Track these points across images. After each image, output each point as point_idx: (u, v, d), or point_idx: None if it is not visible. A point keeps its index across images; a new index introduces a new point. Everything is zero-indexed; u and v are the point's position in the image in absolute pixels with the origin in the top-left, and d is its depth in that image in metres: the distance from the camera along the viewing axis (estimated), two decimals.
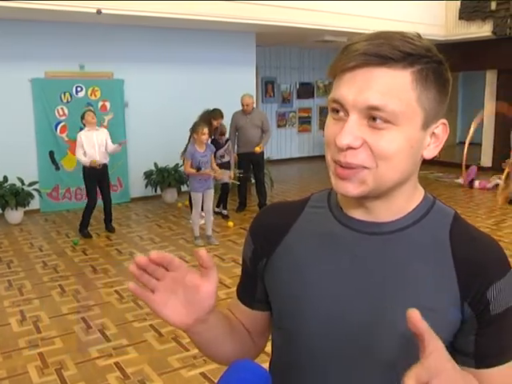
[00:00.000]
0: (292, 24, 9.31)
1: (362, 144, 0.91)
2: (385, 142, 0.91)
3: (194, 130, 6.79)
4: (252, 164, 8.48)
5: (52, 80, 8.65)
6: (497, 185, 10.25)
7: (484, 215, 8.44)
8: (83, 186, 7.92)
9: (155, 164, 9.52)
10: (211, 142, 7.32)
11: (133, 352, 4.16)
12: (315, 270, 1.04)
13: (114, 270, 6.03)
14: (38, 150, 8.70)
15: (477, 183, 10.48)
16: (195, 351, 4.01)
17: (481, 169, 11.59)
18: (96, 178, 7.14)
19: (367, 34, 0.93)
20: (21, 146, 8.43)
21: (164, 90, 9.70)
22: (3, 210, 8.00)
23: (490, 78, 12.40)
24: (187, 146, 7.21)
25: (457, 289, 0.96)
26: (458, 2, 11.58)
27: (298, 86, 14.60)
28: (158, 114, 9.63)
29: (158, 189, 9.46)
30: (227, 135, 8.15)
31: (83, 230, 7.34)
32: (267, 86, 14.02)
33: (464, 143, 10.81)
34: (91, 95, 9.02)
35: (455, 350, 0.99)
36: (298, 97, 14.66)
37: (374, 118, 0.90)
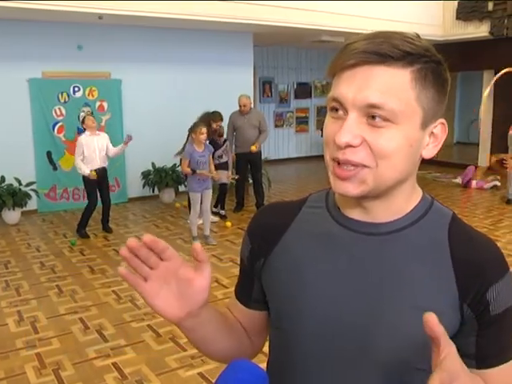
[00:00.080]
0: (289, 24, 9.31)
1: (361, 142, 0.91)
2: (384, 140, 0.91)
3: (192, 129, 6.79)
4: (249, 164, 8.49)
5: (49, 80, 8.64)
6: (495, 186, 10.28)
7: (481, 215, 8.45)
8: (81, 187, 7.92)
9: (153, 164, 9.51)
10: (209, 142, 7.31)
11: (130, 352, 4.16)
12: (313, 270, 1.04)
13: (112, 270, 6.03)
14: (36, 150, 8.69)
15: (474, 183, 10.50)
16: (193, 351, 4.01)
17: (477, 168, 11.60)
18: (96, 181, 7.14)
19: (366, 33, 0.93)
20: (18, 146, 8.42)
21: (161, 90, 9.70)
22: (0, 210, 7.99)
23: (487, 78, 12.40)
24: (184, 146, 7.21)
25: (455, 290, 0.96)
26: (456, 2, 11.60)
27: (295, 86, 14.60)
28: (156, 114, 9.63)
29: (156, 189, 9.46)
30: (225, 135, 8.15)
31: (81, 230, 7.33)
32: (265, 86, 14.02)
33: (461, 143, 10.83)
34: (89, 95, 9.01)
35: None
36: (296, 97, 14.67)
37: (373, 117, 0.90)
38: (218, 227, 7.75)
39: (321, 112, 14.94)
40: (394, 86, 0.90)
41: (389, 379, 0.98)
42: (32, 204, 8.41)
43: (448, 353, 0.78)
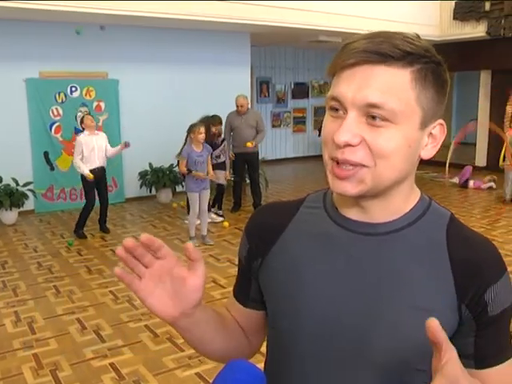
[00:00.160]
0: (286, 24, 9.32)
1: (360, 142, 0.91)
2: (383, 139, 0.90)
3: (190, 129, 6.77)
4: (247, 164, 8.50)
5: (46, 80, 8.63)
6: (491, 187, 10.29)
7: (478, 215, 8.46)
8: (78, 187, 7.92)
9: (150, 164, 9.51)
10: (207, 142, 7.31)
11: (128, 352, 4.16)
12: (310, 270, 1.04)
13: (109, 270, 6.02)
14: (33, 151, 8.68)
15: (471, 183, 10.52)
16: (190, 351, 4.00)
17: (475, 168, 11.62)
18: (94, 180, 7.13)
19: (366, 33, 0.93)
20: (15, 147, 8.41)
21: (159, 90, 9.69)
22: None
23: (485, 78, 12.43)
24: (183, 147, 7.20)
25: (453, 290, 0.96)
26: (453, 3, 11.61)
27: (292, 86, 14.60)
28: (153, 114, 9.62)
29: (153, 189, 9.46)
30: (222, 135, 8.15)
31: (78, 230, 7.32)
32: (262, 86, 14.02)
33: (459, 143, 10.84)
34: (86, 95, 9.01)
35: None
36: (293, 97, 14.67)
37: (373, 117, 0.90)
38: (215, 227, 7.75)
39: (318, 112, 14.95)
40: (394, 85, 0.90)
41: (387, 380, 0.98)
42: (29, 204, 8.40)
43: (449, 358, 0.79)
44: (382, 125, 0.90)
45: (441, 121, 0.98)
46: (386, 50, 0.89)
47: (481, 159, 12.50)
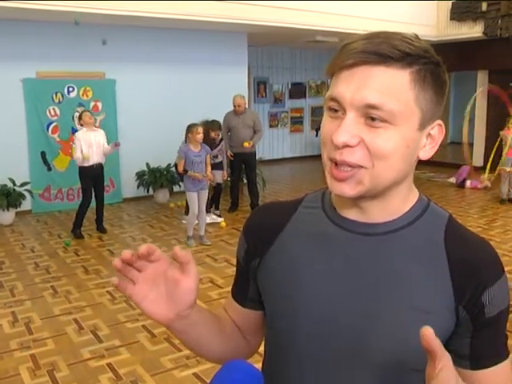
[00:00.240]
0: (283, 24, 9.32)
1: (358, 142, 0.91)
2: (381, 140, 0.90)
3: (188, 129, 6.77)
4: (244, 164, 8.50)
5: (43, 80, 8.62)
6: (486, 187, 10.30)
7: (476, 215, 8.48)
8: (75, 187, 7.91)
9: (147, 164, 9.50)
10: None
11: (125, 353, 4.15)
12: (308, 270, 1.04)
13: (106, 270, 6.02)
14: (30, 151, 8.67)
15: (468, 183, 10.53)
16: (188, 352, 4.00)
17: (472, 168, 11.63)
18: (92, 177, 7.14)
19: (365, 33, 0.93)
20: (12, 147, 8.40)
21: (156, 90, 9.68)
22: None
23: (481, 78, 12.45)
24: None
25: (451, 291, 0.96)
26: (450, 3, 11.63)
27: (290, 86, 14.60)
28: (150, 114, 9.61)
29: (150, 189, 9.45)
30: (220, 135, 8.15)
31: (76, 230, 7.31)
32: (259, 86, 14.02)
33: (455, 143, 10.84)
34: (83, 95, 9.00)
35: (449, 351, 0.99)
36: (290, 97, 14.66)
37: (372, 118, 0.90)
38: (212, 227, 7.74)
39: (315, 112, 14.95)
40: (393, 86, 0.89)
41: (385, 380, 0.98)
42: (26, 204, 8.39)
43: (444, 365, 0.79)
44: (380, 126, 0.90)
45: (439, 121, 0.98)
46: (385, 50, 0.88)
47: (478, 159, 12.50)
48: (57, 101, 8.76)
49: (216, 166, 7.70)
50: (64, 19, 8.05)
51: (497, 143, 9.73)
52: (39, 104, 8.61)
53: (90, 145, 7.03)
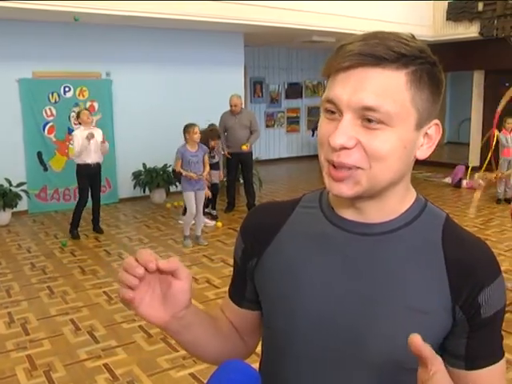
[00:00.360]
0: (279, 24, 9.32)
1: (355, 144, 0.91)
2: (379, 142, 0.90)
3: (186, 129, 6.76)
4: (240, 164, 8.50)
5: (40, 80, 8.61)
6: (480, 185, 10.31)
7: (472, 214, 8.49)
8: (71, 187, 7.88)
9: (143, 164, 9.49)
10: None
11: (122, 353, 4.15)
12: (306, 271, 1.04)
13: (103, 271, 6.01)
14: (26, 151, 8.66)
15: (464, 183, 10.55)
16: (184, 352, 3.98)
17: (468, 168, 11.66)
18: (89, 176, 7.13)
19: (362, 34, 0.93)
20: (8, 147, 8.38)
21: (152, 91, 9.67)
22: None
23: (478, 78, 12.47)
24: None
25: (448, 291, 0.96)
26: (446, 3, 11.64)
27: (286, 86, 14.61)
28: (147, 115, 9.60)
29: (147, 189, 9.44)
30: (220, 144, 8.19)
31: (73, 230, 7.30)
32: (256, 86, 14.02)
33: (452, 143, 10.85)
34: (79, 95, 8.98)
35: (445, 351, 0.99)
36: (287, 97, 14.67)
37: (369, 120, 0.90)
38: (209, 228, 7.74)
39: (312, 112, 14.96)
40: (389, 88, 0.90)
41: (382, 380, 0.98)
42: (23, 205, 8.37)
43: (437, 370, 0.80)
44: (377, 127, 0.90)
45: (436, 121, 0.98)
46: (380, 52, 0.89)
47: (474, 159, 12.53)
48: (53, 101, 8.75)
49: (212, 166, 7.70)
50: (61, 19, 8.05)
51: (493, 143, 9.73)
52: (35, 104, 8.59)
53: (88, 143, 7.00)
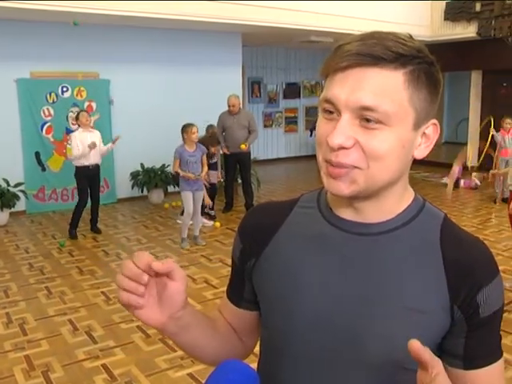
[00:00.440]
0: (277, 24, 9.32)
1: (353, 144, 0.91)
2: (377, 141, 0.91)
3: (183, 129, 6.75)
4: (239, 164, 8.50)
5: (38, 80, 8.60)
6: (476, 184, 10.32)
7: (470, 214, 8.51)
8: (69, 187, 7.86)
9: (141, 165, 9.49)
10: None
11: (120, 353, 4.15)
12: (304, 271, 1.04)
13: (101, 271, 6.01)
14: (24, 151, 8.65)
15: (462, 182, 10.55)
16: (182, 352, 3.99)
17: (466, 168, 11.66)
18: (88, 177, 7.13)
19: (360, 34, 0.93)
20: (6, 147, 8.37)
21: (150, 91, 9.67)
22: None
23: (475, 78, 12.49)
24: None
25: (446, 291, 0.96)
26: (444, 3, 11.65)
27: (284, 86, 14.61)
28: (144, 115, 9.60)
29: (145, 189, 9.44)
30: (220, 149, 8.22)
31: (72, 229, 7.29)
32: (253, 87, 14.02)
33: (450, 143, 10.86)
34: (77, 95, 8.98)
35: (443, 351, 0.99)
36: (285, 97, 14.67)
37: (367, 120, 0.90)
38: (206, 228, 7.74)
39: (310, 112, 14.96)
40: (387, 87, 0.90)
41: (380, 380, 0.98)
42: (20, 205, 8.36)
43: (438, 373, 0.81)
44: (375, 127, 0.90)
45: (434, 121, 0.98)
46: (378, 52, 0.89)
47: (472, 159, 12.53)
48: (51, 101, 8.74)
49: (211, 167, 7.71)
50: (59, 19, 8.04)
51: (488, 143, 9.73)
52: (33, 104, 8.58)
53: (86, 145, 7.01)
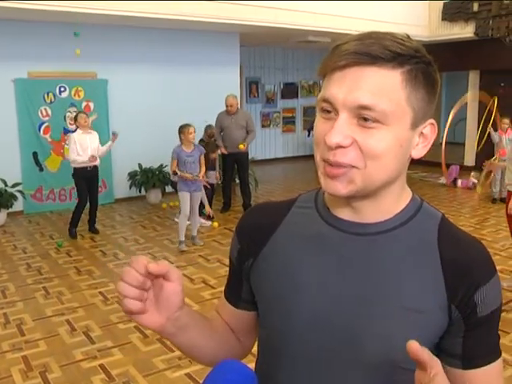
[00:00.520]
0: (275, 24, 9.32)
1: (351, 143, 0.91)
2: (374, 140, 0.91)
3: (181, 130, 6.74)
4: (236, 164, 8.50)
5: (35, 80, 8.58)
6: (474, 183, 10.33)
7: (467, 214, 8.51)
8: (67, 187, 7.85)
9: (139, 165, 9.48)
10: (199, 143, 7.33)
11: (117, 354, 4.15)
12: (302, 271, 1.04)
13: (99, 271, 6.00)
14: (22, 151, 8.63)
15: (459, 182, 10.57)
16: (180, 352, 3.99)
17: (463, 168, 11.69)
18: (86, 179, 7.12)
19: (357, 34, 0.93)
20: (4, 147, 8.35)
21: (148, 91, 9.66)
22: None
23: (473, 78, 12.50)
24: None
25: (444, 290, 0.96)
26: (441, 3, 11.66)
27: (282, 86, 14.61)
28: (142, 115, 9.59)
29: (143, 189, 9.43)
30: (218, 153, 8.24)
31: (72, 228, 7.29)
32: (251, 87, 14.02)
33: (448, 143, 10.84)
34: (75, 95, 8.97)
35: (441, 350, 0.99)
36: (282, 97, 14.67)
37: (365, 119, 0.90)
38: (204, 227, 7.73)
39: (307, 112, 14.96)
40: (384, 87, 0.90)
41: (378, 380, 0.98)
42: (18, 205, 8.35)
43: (436, 373, 0.81)
44: (373, 126, 0.90)
45: (431, 120, 0.98)
46: (376, 51, 0.89)
47: (469, 159, 12.56)
48: (48, 101, 8.73)
49: (209, 167, 7.71)
50: (57, 19, 8.03)
51: (483, 141, 9.74)
52: (31, 104, 8.57)
53: (86, 147, 7.01)
